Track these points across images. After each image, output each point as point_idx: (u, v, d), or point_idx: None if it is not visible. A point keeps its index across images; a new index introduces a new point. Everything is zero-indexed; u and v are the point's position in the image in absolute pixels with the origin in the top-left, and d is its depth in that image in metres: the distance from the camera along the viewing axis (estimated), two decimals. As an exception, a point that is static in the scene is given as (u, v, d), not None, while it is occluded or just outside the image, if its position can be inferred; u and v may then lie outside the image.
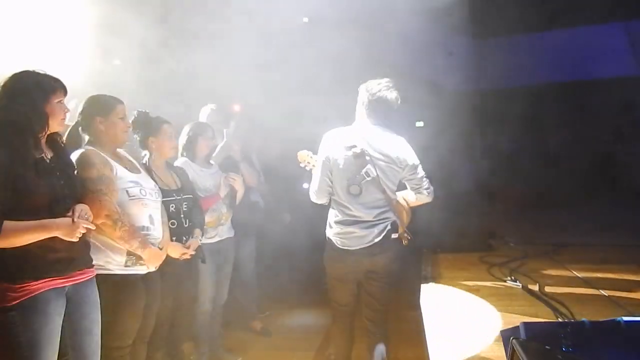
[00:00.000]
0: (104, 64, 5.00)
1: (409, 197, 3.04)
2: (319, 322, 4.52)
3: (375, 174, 2.82)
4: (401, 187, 3.05)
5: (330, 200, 2.97)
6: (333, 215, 2.94)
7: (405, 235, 2.97)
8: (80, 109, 2.59)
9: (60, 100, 2.17)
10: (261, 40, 5.96)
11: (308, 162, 3.10)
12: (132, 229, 2.41)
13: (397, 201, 2.97)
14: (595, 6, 6.37)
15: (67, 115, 2.22)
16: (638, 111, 6.65)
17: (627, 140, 7.06)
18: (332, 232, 2.93)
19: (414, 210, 3.20)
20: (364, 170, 2.82)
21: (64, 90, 2.19)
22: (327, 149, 2.90)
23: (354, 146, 2.82)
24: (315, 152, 3.08)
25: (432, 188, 3.00)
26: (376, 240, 2.84)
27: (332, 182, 2.90)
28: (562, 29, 6.91)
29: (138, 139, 3.06)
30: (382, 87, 2.90)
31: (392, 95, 2.91)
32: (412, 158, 2.92)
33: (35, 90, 2.10)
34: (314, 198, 2.99)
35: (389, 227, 2.86)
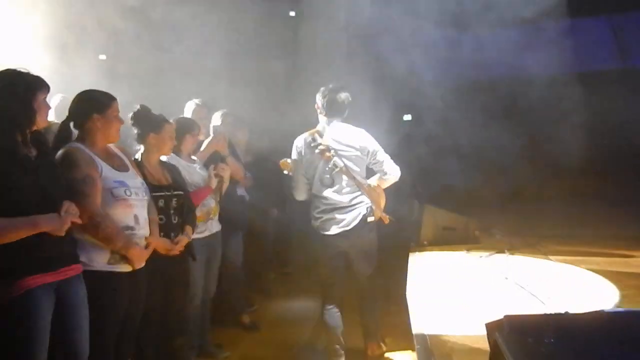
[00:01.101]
0: (90, 59, 4.98)
1: (379, 181, 3.38)
2: (308, 315, 4.54)
3: (343, 164, 3.24)
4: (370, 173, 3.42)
5: (310, 195, 3.39)
6: (314, 207, 3.37)
7: (384, 215, 3.37)
8: (72, 104, 2.54)
9: (45, 97, 2.17)
10: (247, 33, 5.95)
11: (290, 169, 3.48)
12: (114, 231, 2.39)
13: (369, 185, 3.33)
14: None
15: (49, 112, 2.21)
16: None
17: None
18: (316, 222, 3.36)
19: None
20: (331, 163, 3.24)
21: (47, 87, 2.19)
22: (298, 152, 3.38)
23: (319, 144, 3.26)
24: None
25: (396, 167, 3.35)
26: (353, 224, 3.24)
27: (307, 180, 3.36)
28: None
29: (137, 132, 3.01)
30: (330, 89, 3.37)
31: (341, 95, 3.36)
32: (372, 145, 3.31)
33: (22, 87, 2.10)
34: (296, 196, 3.46)
35: (364, 211, 3.25)
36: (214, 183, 3.48)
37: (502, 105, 7.10)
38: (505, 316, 1.94)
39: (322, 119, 3.41)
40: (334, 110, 3.35)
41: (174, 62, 5.63)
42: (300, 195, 3.42)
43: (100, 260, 2.39)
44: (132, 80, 5.11)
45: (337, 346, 3.41)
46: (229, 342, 3.96)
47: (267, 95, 5.69)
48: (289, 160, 3.49)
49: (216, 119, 4.18)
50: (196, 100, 4.03)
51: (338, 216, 3.25)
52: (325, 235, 3.30)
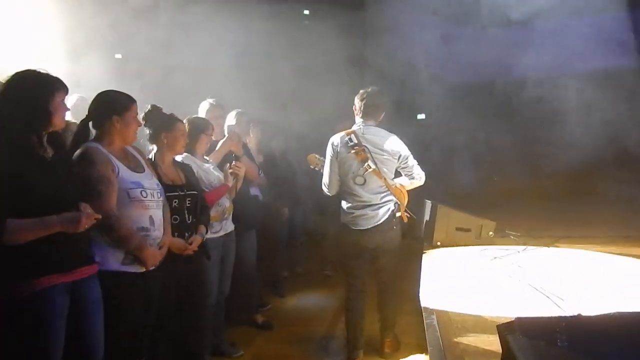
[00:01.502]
0: (106, 59, 5.04)
1: (404, 182, 3.59)
2: (321, 314, 4.56)
3: (375, 166, 3.41)
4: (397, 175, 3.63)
5: (340, 191, 3.57)
6: (345, 203, 3.55)
7: (406, 213, 3.59)
8: (92, 104, 2.57)
9: (63, 99, 2.20)
10: (259, 31, 5.97)
11: (317, 164, 3.73)
12: (129, 232, 2.42)
13: (396, 186, 3.53)
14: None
15: (67, 113, 2.24)
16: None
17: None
18: (347, 217, 3.53)
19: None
20: (365, 164, 3.41)
21: (65, 89, 2.22)
22: (334, 150, 3.54)
23: (355, 145, 3.44)
24: (316, 150, 3.78)
25: (422, 173, 3.56)
26: (384, 219, 3.45)
27: (339, 177, 3.53)
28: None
29: (149, 132, 3.04)
30: (368, 93, 3.56)
31: (380, 100, 3.58)
32: (403, 150, 3.52)
33: (39, 88, 2.13)
34: (326, 191, 3.61)
35: (392, 207, 3.47)
36: (230, 181, 3.50)
37: (514, 105, 7.07)
38: (517, 318, 1.93)
39: (358, 120, 3.59)
40: (370, 113, 3.54)
41: (187, 61, 5.67)
42: (332, 191, 3.60)
43: (114, 261, 2.42)
44: (147, 79, 5.17)
45: (357, 340, 3.54)
46: (243, 341, 3.99)
47: (278, 95, 5.71)
48: (317, 156, 3.73)
49: (230, 119, 4.21)
50: (210, 100, 4.05)
51: (370, 212, 3.46)
52: (355, 230, 3.49)
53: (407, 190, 3.62)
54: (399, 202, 3.51)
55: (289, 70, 6.06)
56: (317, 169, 3.75)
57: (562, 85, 6.57)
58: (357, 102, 3.58)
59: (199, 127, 3.52)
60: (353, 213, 3.50)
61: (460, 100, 8.03)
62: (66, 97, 2.25)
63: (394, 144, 3.50)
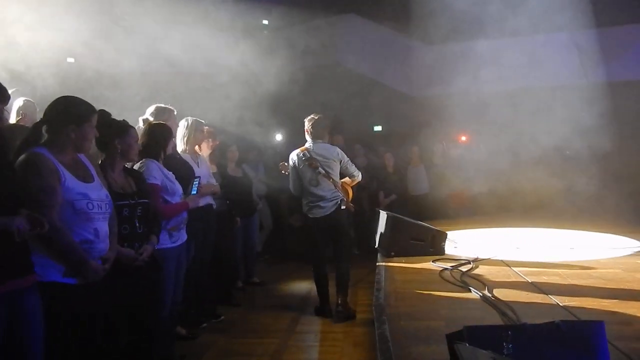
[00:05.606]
0: (59, 62, 4.92)
1: (347, 180, 4.91)
2: (273, 327, 4.53)
3: (324, 171, 4.62)
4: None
5: (301, 191, 4.77)
6: (304, 199, 4.74)
7: (350, 205, 4.80)
8: (49, 108, 2.47)
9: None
10: (219, 38, 5.95)
11: (287, 170, 4.85)
12: (69, 246, 2.33)
13: (342, 183, 4.82)
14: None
15: (11, 116, 2.15)
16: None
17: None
18: (306, 209, 4.74)
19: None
20: (317, 170, 4.61)
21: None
22: (293, 162, 4.73)
23: (308, 157, 4.65)
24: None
25: (359, 172, 4.93)
26: (332, 209, 4.65)
27: (300, 181, 4.70)
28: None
29: (99, 139, 2.81)
30: (315, 119, 4.74)
31: (324, 123, 4.78)
32: (343, 157, 4.79)
33: None
34: (293, 192, 4.85)
35: (339, 202, 4.66)
36: (195, 202, 3.59)
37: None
38: (465, 327, 1.98)
39: (308, 138, 4.75)
40: (317, 134, 4.73)
41: (146, 68, 5.60)
42: (296, 192, 4.80)
43: (54, 272, 2.32)
44: (100, 84, 5.07)
45: (324, 295, 4.70)
46: (194, 353, 3.91)
47: (235, 105, 5.71)
48: (286, 163, 4.84)
49: (182, 126, 4.24)
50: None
51: (322, 204, 4.64)
52: (311, 217, 4.70)
53: (352, 187, 4.99)
54: (344, 197, 4.67)
55: (248, 79, 6.06)
56: (286, 173, 4.85)
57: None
58: (307, 125, 4.74)
59: (163, 134, 3.49)
60: (310, 206, 4.68)
61: (413, 112, 8.19)
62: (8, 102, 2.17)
63: (336, 154, 4.74)
